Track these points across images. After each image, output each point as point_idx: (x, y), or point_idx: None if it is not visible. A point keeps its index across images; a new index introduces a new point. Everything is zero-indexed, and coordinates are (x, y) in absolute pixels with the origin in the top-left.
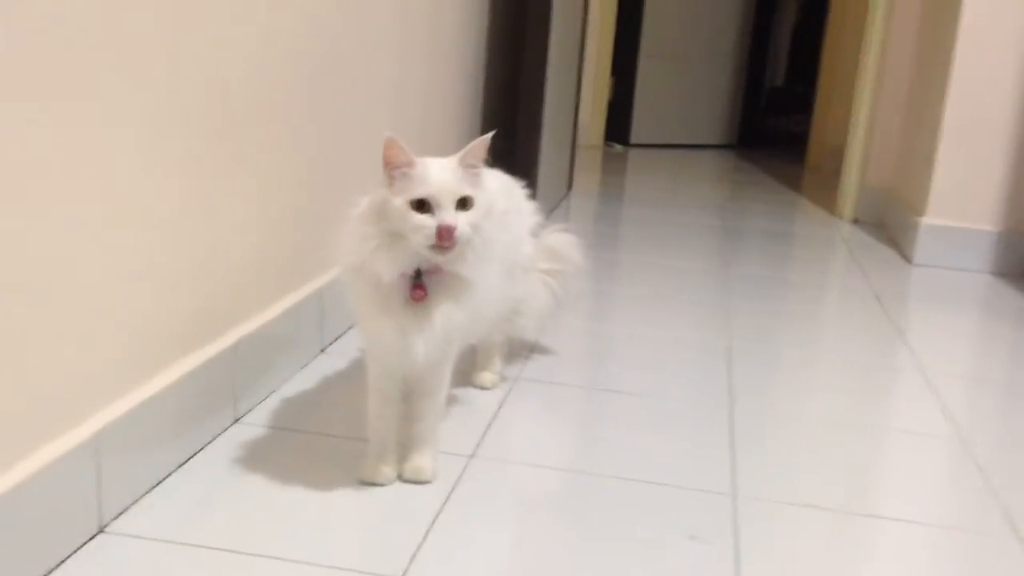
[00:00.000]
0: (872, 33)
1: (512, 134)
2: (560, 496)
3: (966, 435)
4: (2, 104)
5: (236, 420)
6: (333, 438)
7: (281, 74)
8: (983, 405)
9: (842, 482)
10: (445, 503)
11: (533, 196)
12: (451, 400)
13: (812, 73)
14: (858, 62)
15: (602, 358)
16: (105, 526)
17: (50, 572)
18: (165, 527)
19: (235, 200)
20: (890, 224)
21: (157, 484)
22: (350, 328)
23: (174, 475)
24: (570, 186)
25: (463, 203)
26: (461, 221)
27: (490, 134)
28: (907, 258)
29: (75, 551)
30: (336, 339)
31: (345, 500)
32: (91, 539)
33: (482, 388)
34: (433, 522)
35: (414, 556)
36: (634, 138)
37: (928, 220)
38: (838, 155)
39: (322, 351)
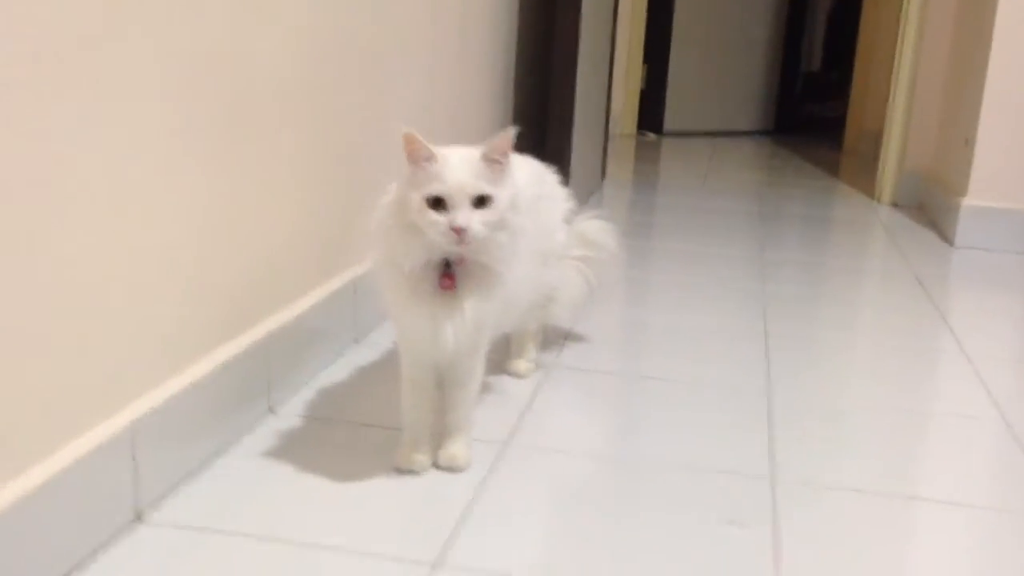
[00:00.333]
0: (909, 15)
1: (543, 124)
2: (595, 483)
3: (1011, 417)
4: (35, 103)
5: (271, 410)
6: (368, 427)
7: (314, 65)
8: None
9: (884, 465)
10: (479, 491)
11: (566, 186)
12: (485, 388)
13: (848, 58)
14: (895, 45)
15: (638, 345)
16: (142, 515)
17: (87, 560)
18: (201, 516)
19: (268, 192)
20: (930, 207)
21: (193, 473)
22: (384, 318)
23: (210, 465)
24: (603, 175)
25: (480, 201)
26: (475, 221)
27: (514, 128)
28: (948, 240)
29: (112, 539)
30: (370, 330)
31: (380, 488)
32: (128, 528)
33: (516, 376)
34: (467, 510)
35: (448, 543)
36: (668, 126)
37: (969, 201)
38: (875, 139)
39: (356, 341)
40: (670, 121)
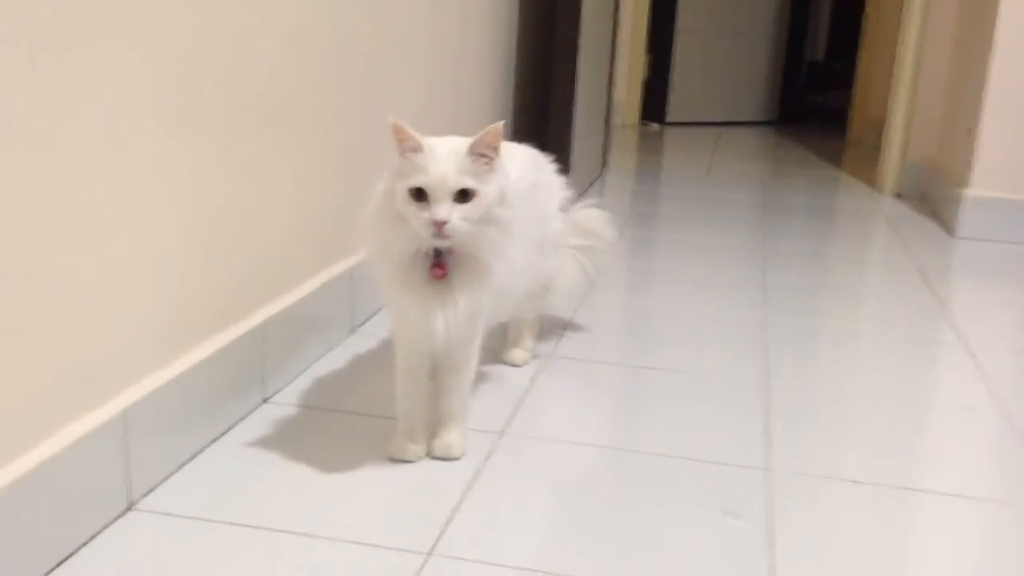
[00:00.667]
0: (913, 5)
1: (544, 114)
2: (591, 473)
3: (1010, 408)
4: (33, 98)
5: (266, 399)
6: (363, 417)
7: (311, 58)
8: None
9: (882, 456)
10: (474, 480)
11: (566, 175)
12: (482, 377)
13: (852, 48)
14: (899, 35)
15: (637, 335)
16: (135, 503)
17: (79, 549)
18: (194, 505)
19: (263, 183)
20: (933, 197)
21: (187, 462)
22: (380, 307)
23: (204, 453)
24: (605, 165)
25: (463, 195)
26: (455, 216)
27: (502, 122)
28: (950, 231)
29: (104, 528)
30: (367, 319)
31: (374, 477)
32: (120, 516)
33: (513, 365)
34: (462, 499)
35: (442, 533)
36: (671, 116)
37: (971, 192)
38: (879, 130)
39: (353, 331)
40: (673, 111)
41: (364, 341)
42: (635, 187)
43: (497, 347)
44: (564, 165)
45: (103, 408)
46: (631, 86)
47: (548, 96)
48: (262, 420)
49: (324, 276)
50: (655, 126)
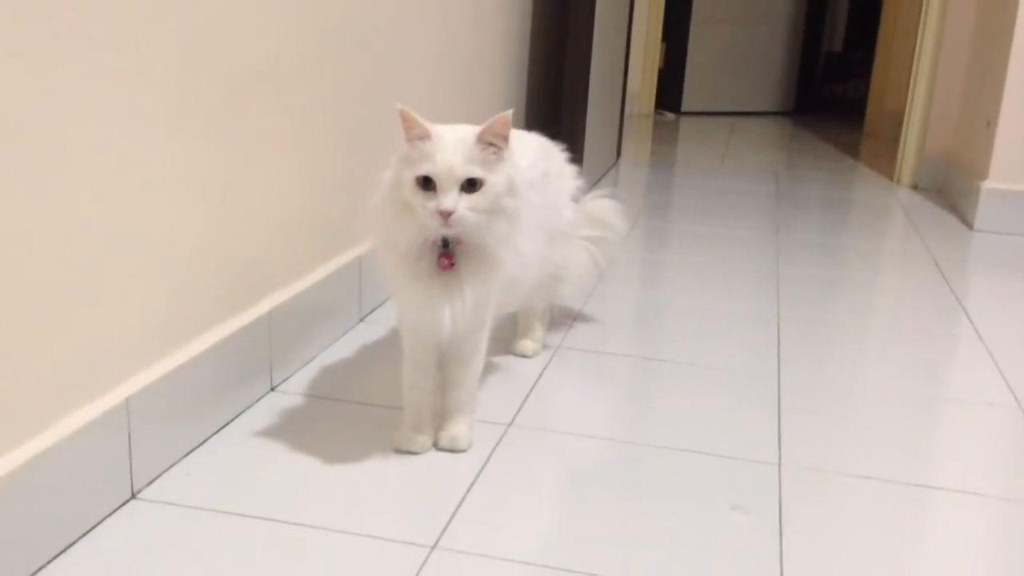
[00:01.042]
0: None
1: (557, 102)
2: (599, 466)
3: None
4: (36, 78)
5: (272, 388)
6: (370, 407)
7: (321, 41)
8: None
9: (895, 453)
10: (480, 472)
11: (579, 165)
12: (491, 368)
13: (871, 38)
14: (918, 26)
15: (648, 327)
16: (138, 492)
17: (82, 537)
18: (198, 494)
19: (272, 168)
20: (950, 190)
21: (191, 451)
22: (389, 296)
23: (209, 442)
24: (618, 155)
25: (470, 184)
26: (462, 205)
27: (510, 111)
28: (968, 224)
29: (107, 517)
30: (376, 307)
31: (380, 469)
32: (123, 505)
33: (523, 356)
34: (467, 492)
35: (447, 526)
36: (686, 106)
37: (990, 184)
38: (897, 121)
39: (361, 320)
40: (689, 101)
41: (373, 330)
42: (649, 177)
43: (507, 337)
44: (577, 154)
45: (106, 397)
46: (646, 75)
47: (562, 84)
48: (268, 409)
49: (333, 264)
50: (670, 116)
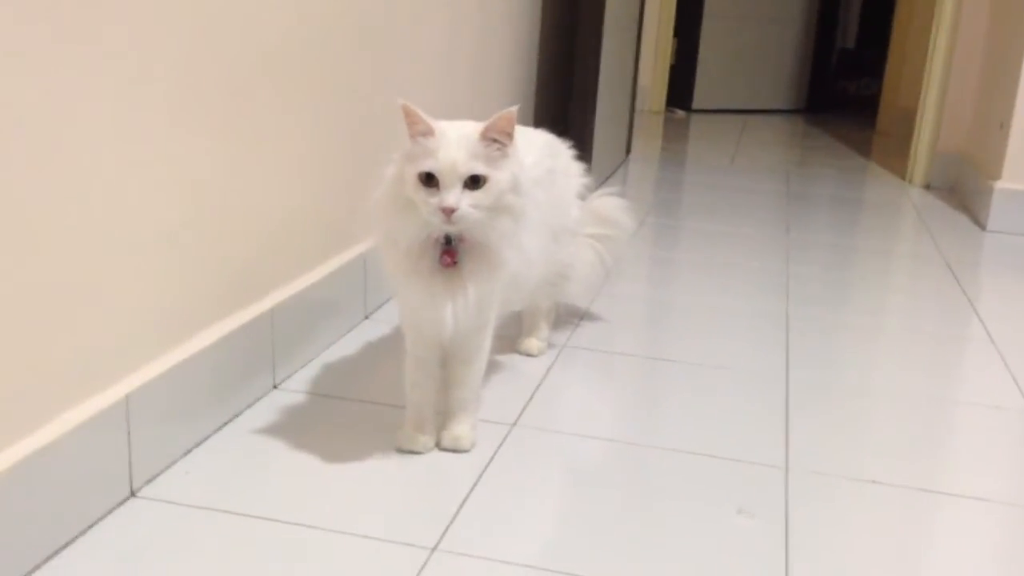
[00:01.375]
0: None
1: (567, 99)
2: (603, 467)
3: None
4: (36, 75)
5: (275, 386)
6: (374, 405)
7: (327, 32)
8: None
9: (904, 456)
10: (483, 473)
11: (588, 161)
12: (495, 367)
13: (884, 34)
14: (932, 23)
15: (655, 326)
16: (137, 490)
17: (80, 535)
18: (197, 493)
19: (274, 163)
20: (963, 189)
21: (192, 449)
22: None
23: (209, 440)
24: (628, 151)
25: (474, 181)
26: (464, 202)
27: (515, 107)
28: (980, 224)
29: (106, 515)
30: (381, 305)
31: (381, 468)
32: (122, 503)
33: (528, 355)
34: (470, 493)
35: (448, 527)
36: (697, 103)
37: (1003, 184)
38: (910, 119)
39: (366, 317)
40: (700, 98)
41: (377, 327)
42: (658, 174)
43: (512, 335)
44: (586, 151)
45: (106, 393)
46: (657, 72)
47: (571, 81)
48: (270, 407)
49: (337, 260)
50: (681, 113)
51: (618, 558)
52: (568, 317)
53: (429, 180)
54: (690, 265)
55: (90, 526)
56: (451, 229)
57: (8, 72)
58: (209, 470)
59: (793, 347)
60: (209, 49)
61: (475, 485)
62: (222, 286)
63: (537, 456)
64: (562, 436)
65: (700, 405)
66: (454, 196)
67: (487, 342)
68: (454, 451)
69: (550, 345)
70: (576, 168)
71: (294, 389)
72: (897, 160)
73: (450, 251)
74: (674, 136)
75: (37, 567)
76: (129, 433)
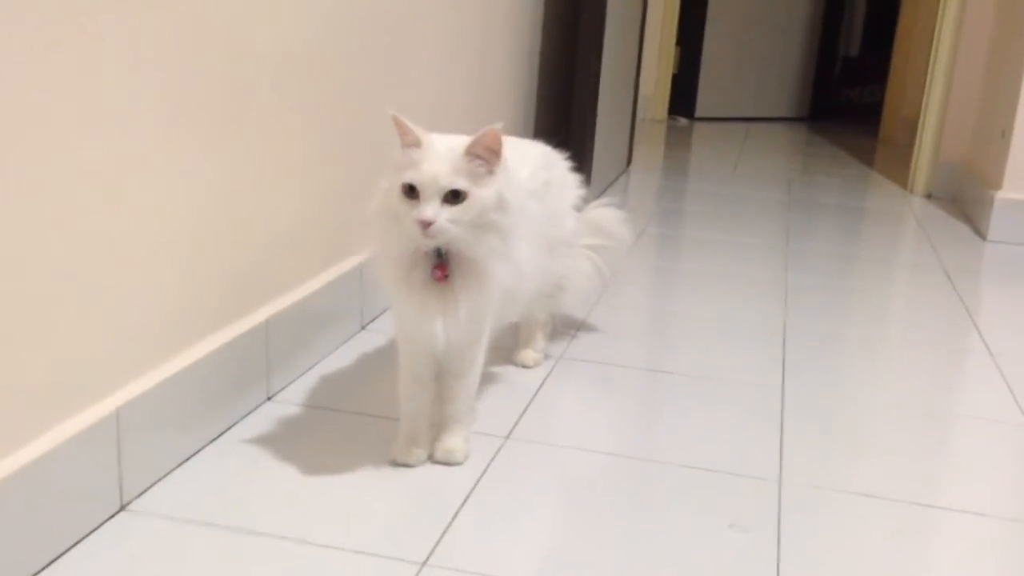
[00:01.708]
0: (949, 2)
1: (567, 107)
2: (597, 480)
3: None
4: (30, 84)
5: (269, 397)
6: (368, 417)
7: (325, 42)
8: None
9: (900, 470)
10: (475, 486)
11: (588, 170)
12: (490, 378)
13: (888, 42)
14: (934, 32)
15: (652, 337)
16: (127, 504)
17: (70, 549)
18: (188, 506)
19: (271, 173)
20: (964, 199)
21: (184, 462)
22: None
23: (202, 453)
24: (630, 160)
25: (454, 195)
26: (442, 217)
27: (500, 124)
28: (981, 234)
29: (96, 529)
30: (378, 316)
31: (374, 482)
32: (112, 517)
33: (523, 366)
34: (461, 506)
35: (439, 541)
36: (700, 111)
37: (1004, 194)
38: (913, 128)
39: (363, 328)
40: (703, 106)
41: (373, 339)
42: (660, 183)
43: (508, 347)
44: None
45: (96, 407)
46: (660, 80)
47: (571, 90)
48: (264, 419)
49: (333, 271)
50: (683, 121)
51: (609, 572)
52: (565, 328)
53: (411, 192)
54: (689, 275)
55: (80, 540)
56: (429, 243)
57: (5, 81)
58: (201, 483)
59: (790, 358)
60: (206, 60)
61: (467, 498)
62: (217, 297)
63: (531, 469)
64: (556, 449)
65: (694, 417)
66: (432, 209)
67: (481, 355)
68: (447, 464)
69: (546, 356)
70: (572, 180)
71: (289, 401)
72: (899, 169)
73: (442, 265)
74: (676, 144)
75: None
76: (119, 446)
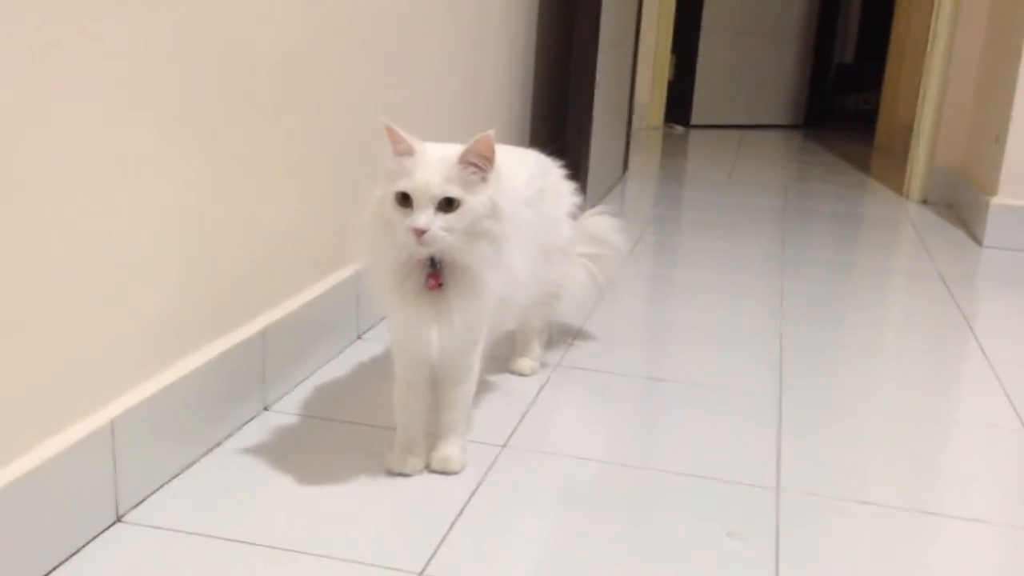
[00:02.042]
0: (943, 8)
1: (563, 115)
2: (595, 489)
3: None
4: (22, 92)
5: (266, 408)
6: (364, 427)
7: (321, 50)
8: None
9: (898, 477)
10: (472, 495)
11: (583, 178)
12: (487, 387)
13: (882, 49)
14: (928, 39)
15: (649, 344)
16: (123, 515)
17: (64, 562)
18: (184, 517)
19: (265, 183)
20: (960, 204)
21: (180, 472)
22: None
23: (198, 463)
24: (625, 168)
25: (448, 203)
26: (435, 225)
27: (492, 131)
28: (977, 240)
29: (90, 541)
30: (374, 325)
31: (371, 491)
32: (108, 528)
33: (520, 375)
34: (458, 516)
35: (435, 551)
36: (695, 119)
37: (999, 200)
38: (908, 134)
39: (359, 337)
40: (698, 114)
41: (370, 348)
42: (656, 190)
43: (505, 355)
44: (582, 168)
45: (91, 417)
46: (655, 88)
47: (567, 98)
48: (261, 429)
49: (329, 280)
50: (679, 128)
51: None
52: (561, 337)
53: (404, 200)
54: (685, 283)
55: (75, 552)
56: (422, 251)
57: None
58: (197, 494)
59: (787, 365)
60: (200, 68)
61: (464, 508)
62: (213, 307)
63: (527, 477)
64: (553, 457)
65: (692, 425)
66: (425, 217)
67: (476, 364)
68: (444, 473)
69: (543, 365)
70: (567, 187)
71: (285, 410)
72: (895, 175)
73: (435, 274)
74: (672, 152)
75: None
76: (115, 457)
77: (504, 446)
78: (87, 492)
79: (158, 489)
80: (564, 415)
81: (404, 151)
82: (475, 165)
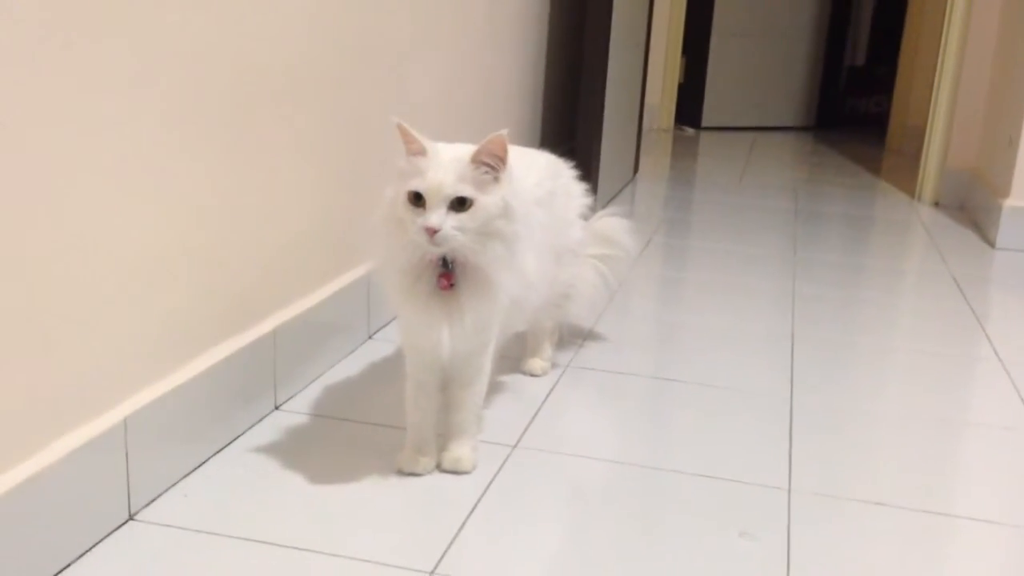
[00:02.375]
0: (955, 10)
1: (573, 118)
2: (605, 489)
3: None
4: (33, 95)
5: (277, 407)
6: (376, 426)
7: (331, 52)
8: None
9: (910, 478)
10: (483, 495)
11: (594, 180)
12: (498, 387)
13: (894, 52)
14: (940, 41)
15: (659, 346)
16: (135, 514)
17: (78, 559)
18: (196, 516)
19: (278, 179)
20: (972, 207)
21: (192, 471)
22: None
23: (210, 462)
24: (636, 170)
25: (460, 203)
26: (448, 224)
27: (505, 130)
28: (989, 242)
29: (103, 539)
30: (385, 325)
31: (382, 491)
32: (120, 527)
33: (531, 375)
34: (469, 515)
35: (447, 550)
36: (706, 121)
37: (1012, 202)
38: (920, 136)
39: (370, 337)
40: (709, 116)
41: (381, 348)
42: (666, 192)
43: (516, 355)
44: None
45: (103, 417)
46: (666, 90)
47: (577, 100)
48: (272, 428)
49: (341, 281)
50: (690, 130)
51: None
52: (572, 337)
53: (417, 200)
54: (696, 285)
55: (88, 550)
56: (435, 251)
57: (9, 91)
58: (208, 493)
59: (798, 367)
60: (210, 72)
61: (475, 507)
62: (224, 307)
63: (538, 478)
64: (564, 457)
65: (703, 426)
66: (437, 217)
67: (487, 364)
68: (455, 473)
69: (554, 365)
70: (578, 188)
71: (296, 410)
72: (906, 177)
73: (447, 274)
74: (683, 154)
75: None
76: (127, 456)
77: (515, 446)
78: (100, 490)
79: (170, 487)
80: (575, 415)
81: (417, 151)
82: (488, 165)
